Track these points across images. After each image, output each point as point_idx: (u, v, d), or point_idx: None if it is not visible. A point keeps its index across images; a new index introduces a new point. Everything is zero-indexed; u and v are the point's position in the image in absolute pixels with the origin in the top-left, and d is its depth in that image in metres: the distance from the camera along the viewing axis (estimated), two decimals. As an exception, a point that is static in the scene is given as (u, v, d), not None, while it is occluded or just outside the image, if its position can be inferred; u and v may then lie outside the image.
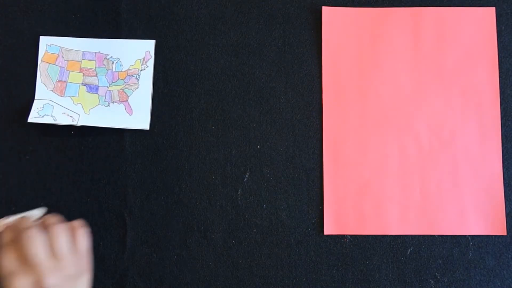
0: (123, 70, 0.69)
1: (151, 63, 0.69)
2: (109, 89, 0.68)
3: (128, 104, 0.68)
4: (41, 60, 0.69)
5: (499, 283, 0.65)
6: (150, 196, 0.67)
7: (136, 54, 0.69)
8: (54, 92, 0.68)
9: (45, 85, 0.68)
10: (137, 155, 0.67)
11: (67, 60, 0.69)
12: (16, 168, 0.67)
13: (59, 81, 0.68)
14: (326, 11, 0.69)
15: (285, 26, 0.69)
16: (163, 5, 0.70)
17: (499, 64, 0.68)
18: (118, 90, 0.68)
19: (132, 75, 0.68)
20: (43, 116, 0.66)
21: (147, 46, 0.69)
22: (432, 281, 0.65)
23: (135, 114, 0.68)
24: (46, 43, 0.69)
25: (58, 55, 0.69)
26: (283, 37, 0.69)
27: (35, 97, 0.68)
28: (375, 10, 0.69)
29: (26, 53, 0.69)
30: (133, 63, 0.69)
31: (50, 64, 0.68)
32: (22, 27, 0.69)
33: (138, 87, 0.68)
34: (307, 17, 0.69)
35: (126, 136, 0.68)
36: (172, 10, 0.70)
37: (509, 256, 0.66)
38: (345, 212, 0.66)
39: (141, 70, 0.68)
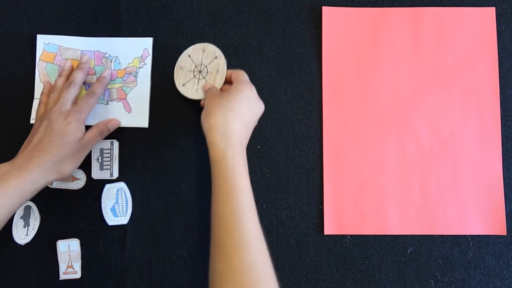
0: (121, 68, 0.69)
1: (149, 61, 0.69)
2: (107, 87, 0.68)
3: (127, 102, 0.68)
4: (39, 59, 0.68)
5: (499, 283, 0.65)
6: (150, 196, 0.67)
7: (134, 52, 0.69)
8: None
9: (44, 84, 0.68)
10: (137, 155, 0.67)
11: (66, 59, 0.69)
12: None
13: None
14: (326, 11, 0.69)
15: (285, 26, 0.69)
16: (163, 5, 0.70)
17: (499, 64, 0.68)
18: (116, 88, 0.68)
19: (130, 73, 0.68)
20: None
21: (145, 44, 0.69)
22: (432, 281, 0.65)
23: (134, 112, 0.68)
24: (43, 41, 0.69)
25: (56, 54, 0.69)
26: (283, 37, 0.69)
27: (34, 96, 0.68)
28: (375, 10, 0.69)
29: (26, 53, 0.69)
30: (131, 61, 0.69)
31: (49, 63, 0.68)
32: (22, 27, 0.69)
33: (136, 85, 0.68)
34: (307, 17, 0.69)
35: (126, 135, 0.68)
36: (172, 10, 0.70)
37: (509, 256, 0.66)
38: (345, 212, 0.66)
39: (139, 68, 0.68)
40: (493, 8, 0.69)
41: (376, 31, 0.69)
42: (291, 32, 0.69)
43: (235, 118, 0.57)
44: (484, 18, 0.69)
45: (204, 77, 0.63)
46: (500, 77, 0.68)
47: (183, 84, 0.64)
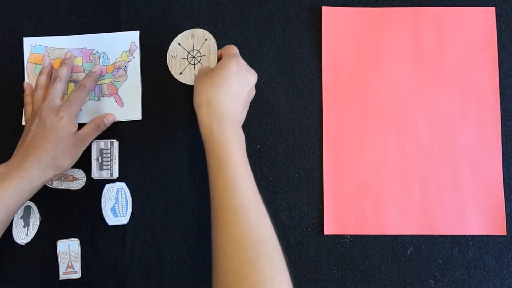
0: (110, 64, 0.69)
1: (137, 54, 0.69)
2: (98, 83, 0.68)
3: (118, 96, 0.68)
4: (27, 61, 0.69)
5: (499, 283, 0.65)
6: (150, 196, 0.67)
7: (122, 46, 0.69)
8: None
9: (34, 86, 0.68)
10: (137, 155, 0.67)
11: (53, 59, 0.69)
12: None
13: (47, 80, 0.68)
14: (326, 11, 0.69)
15: (285, 26, 0.69)
16: (163, 5, 0.70)
17: (499, 64, 0.68)
18: (107, 83, 0.68)
19: (119, 68, 0.68)
20: None
21: (132, 38, 0.69)
22: (432, 281, 0.65)
23: (126, 105, 0.68)
24: (30, 43, 0.69)
25: (44, 55, 0.69)
26: (283, 37, 0.69)
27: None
28: (375, 10, 0.69)
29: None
30: (120, 56, 0.69)
31: (37, 65, 0.68)
32: (22, 27, 0.69)
33: (126, 79, 0.68)
34: (307, 17, 0.69)
35: (125, 135, 0.68)
36: (172, 10, 0.69)
37: (509, 256, 0.66)
38: (345, 212, 0.66)
39: (128, 62, 0.68)
40: (493, 8, 0.69)
41: (376, 31, 0.69)
42: (291, 32, 0.69)
43: (220, 94, 0.57)
44: (484, 18, 0.69)
45: (199, 61, 0.64)
46: (500, 77, 0.68)
47: (180, 73, 0.65)
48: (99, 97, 0.68)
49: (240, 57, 0.61)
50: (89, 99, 0.68)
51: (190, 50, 0.65)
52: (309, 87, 0.68)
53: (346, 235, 0.66)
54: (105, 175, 0.67)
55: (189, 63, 0.65)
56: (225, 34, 0.69)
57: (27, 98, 0.66)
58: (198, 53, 0.65)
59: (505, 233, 0.66)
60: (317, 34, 0.69)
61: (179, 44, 0.66)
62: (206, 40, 0.65)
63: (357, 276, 0.66)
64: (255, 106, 0.68)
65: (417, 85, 0.68)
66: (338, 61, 0.69)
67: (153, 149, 0.68)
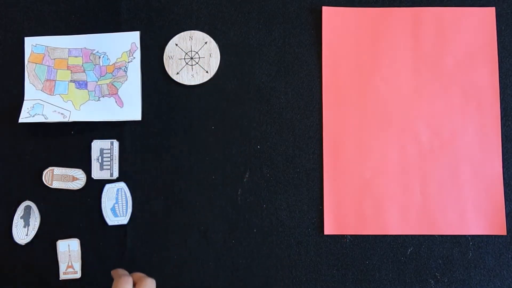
0: (110, 64, 0.69)
1: (137, 55, 0.69)
2: (98, 83, 0.68)
3: (118, 96, 0.68)
4: (28, 61, 0.69)
5: (499, 283, 0.65)
6: (150, 196, 0.67)
7: (122, 47, 0.69)
8: (43, 91, 0.68)
9: (34, 85, 0.68)
10: (137, 154, 0.67)
11: (54, 59, 0.69)
12: (16, 168, 0.67)
13: (47, 80, 0.68)
14: (326, 11, 0.69)
15: (285, 26, 0.69)
16: (163, 5, 0.70)
17: (499, 64, 0.68)
18: (107, 84, 0.68)
19: (119, 68, 0.68)
20: (34, 116, 0.66)
21: (132, 38, 0.69)
22: (432, 281, 0.65)
23: (126, 106, 0.68)
24: (31, 43, 0.69)
25: (44, 54, 0.69)
26: (283, 37, 0.69)
27: (24, 98, 0.67)
28: (375, 10, 0.69)
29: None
30: (120, 56, 0.69)
31: (37, 64, 0.68)
32: (22, 27, 0.69)
33: (126, 79, 0.68)
34: (307, 17, 0.69)
35: (125, 135, 0.68)
36: (172, 10, 0.69)
37: (509, 256, 0.66)
38: (345, 212, 0.66)
39: (128, 62, 0.68)
40: (493, 8, 0.69)
41: (376, 31, 0.69)
42: (291, 32, 0.69)
43: None
44: (484, 18, 0.69)
45: (197, 63, 0.64)
46: (500, 77, 0.68)
47: (177, 73, 0.65)
48: (99, 98, 0.68)
49: None
50: (89, 99, 0.68)
51: (188, 51, 0.65)
52: (309, 87, 0.68)
53: (346, 235, 0.66)
54: (105, 175, 0.67)
55: (186, 63, 0.65)
56: (225, 34, 0.69)
57: None
58: (197, 54, 0.65)
59: (505, 233, 0.66)
60: (317, 34, 0.69)
61: (176, 44, 0.66)
62: (206, 43, 0.65)
63: (357, 276, 0.66)
64: (255, 106, 0.68)
65: (417, 85, 0.68)
66: (338, 61, 0.69)
67: (153, 149, 0.68)
